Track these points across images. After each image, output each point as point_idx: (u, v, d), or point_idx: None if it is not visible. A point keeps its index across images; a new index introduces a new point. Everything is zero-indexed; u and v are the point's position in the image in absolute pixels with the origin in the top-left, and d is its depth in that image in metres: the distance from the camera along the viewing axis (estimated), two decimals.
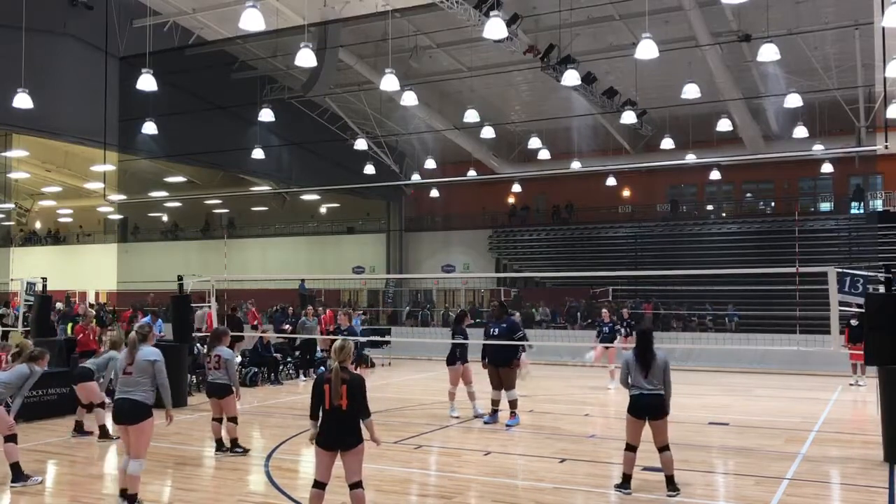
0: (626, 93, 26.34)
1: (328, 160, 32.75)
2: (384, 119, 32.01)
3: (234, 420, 10.56)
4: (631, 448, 8.56)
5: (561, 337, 23.44)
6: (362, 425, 6.83)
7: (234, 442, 10.55)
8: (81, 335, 15.09)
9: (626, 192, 35.00)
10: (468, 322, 14.14)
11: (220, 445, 10.58)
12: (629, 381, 8.56)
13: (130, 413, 7.84)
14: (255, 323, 24.25)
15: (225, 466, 10.08)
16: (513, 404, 12.76)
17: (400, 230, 38.69)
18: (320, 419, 6.78)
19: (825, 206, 32.76)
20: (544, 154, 30.63)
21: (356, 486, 6.84)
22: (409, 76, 25.95)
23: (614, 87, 26.30)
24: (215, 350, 10.56)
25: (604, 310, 17.21)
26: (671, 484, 8.42)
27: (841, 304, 11.64)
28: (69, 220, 50.47)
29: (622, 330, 18.15)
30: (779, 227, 31.29)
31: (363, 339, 14.52)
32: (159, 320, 17.35)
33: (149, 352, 8.08)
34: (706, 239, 32.43)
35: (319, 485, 6.93)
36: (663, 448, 8.46)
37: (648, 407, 8.40)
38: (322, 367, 20.51)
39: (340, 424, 6.71)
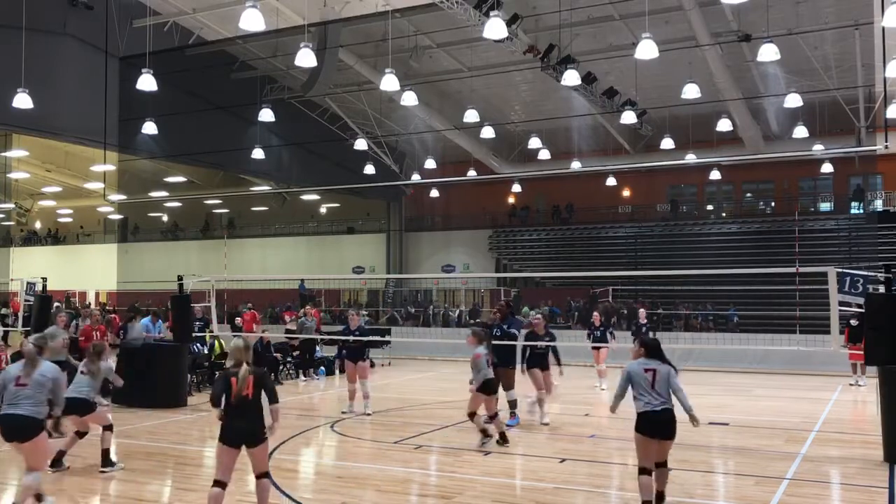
0: (626, 93, 26.32)
1: (328, 160, 32.74)
2: (384, 119, 32.01)
3: None
4: (646, 471, 7.49)
5: (561, 337, 23.36)
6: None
7: None
8: (84, 337, 15.02)
9: (626, 192, 34.99)
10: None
11: None
12: (634, 395, 7.59)
13: (20, 430, 7.40)
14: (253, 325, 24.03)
15: None
16: (512, 404, 12.76)
17: (400, 230, 38.68)
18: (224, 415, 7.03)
19: (825, 206, 32.74)
20: (544, 154, 30.64)
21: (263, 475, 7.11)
22: (409, 76, 25.95)
23: (614, 87, 26.29)
24: None
25: (595, 313, 17.27)
26: (661, 501, 7.66)
27: (841, 304, 11.64)
28: (69, 220, 50.47)
29: (613, 332, 18.14)
30: (779, 227, 31.29)
31: (365, 339, 14.51)
32: (159, 321, 17.30)
33: (49, 367, 7.66)
34: (706, 239, 32.43)
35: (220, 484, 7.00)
36: (663, 464, 7.69)
37: (661, 423, 7.43)
38: (322, 368, 20.55)
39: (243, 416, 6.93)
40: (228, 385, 6.95)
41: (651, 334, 15.52)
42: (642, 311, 18.39)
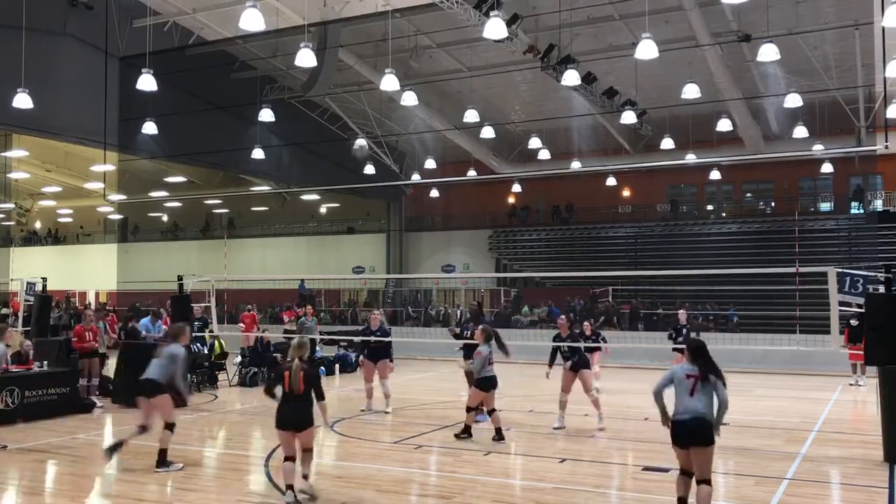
0: (626, 93, 26.32)
1: (328, 160, 32.75)
2: (384, 119, 32.01)
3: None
4: (684, 472, 7.31)
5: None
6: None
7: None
8: (77, 337, 15.02)
9: (626, 192, 34.99)
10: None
11: None
12: (674, 402, 7.25)
13: None
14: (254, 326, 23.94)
15: (225, 466, 10.09)
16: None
17: (400, 230, 38.68)
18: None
19: (825, 206, 32.72)
20: (544, 154, 30.63)
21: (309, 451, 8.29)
22: (409, 76, 25.95)
23: (614, 87, 26.28)
24: None
25: (585, 323, 17.18)
26: None
27: (841, 304, 11.64)
28: (69, 220, 50.47)
29: (604, 338, 18.01)
30: (779, 227, 31.28)
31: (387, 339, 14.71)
32: (159, 321, 17.30)
33: None
34: (706, 239, 32.42)
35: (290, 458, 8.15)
36: (703, 481, 7.13)
37: (688, 433, 7.12)
38: (322, 368, 20.55)
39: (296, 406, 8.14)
40: (282, 378, 8.18)
41: (694, 335, 14.82)
42: (682, 313, 17.07)
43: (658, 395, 7.32)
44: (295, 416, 8.05)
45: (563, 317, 13.79)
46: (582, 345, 12.97)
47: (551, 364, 12.89)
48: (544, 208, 36.95)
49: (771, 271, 26.11)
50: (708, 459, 7.13)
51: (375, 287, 37.82)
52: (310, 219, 42.53)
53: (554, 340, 12.97)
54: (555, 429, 12.41)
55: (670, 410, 7.30)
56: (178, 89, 24.41)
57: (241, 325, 22.61)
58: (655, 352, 21.78)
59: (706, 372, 7.14)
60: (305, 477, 8.25)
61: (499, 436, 11.28)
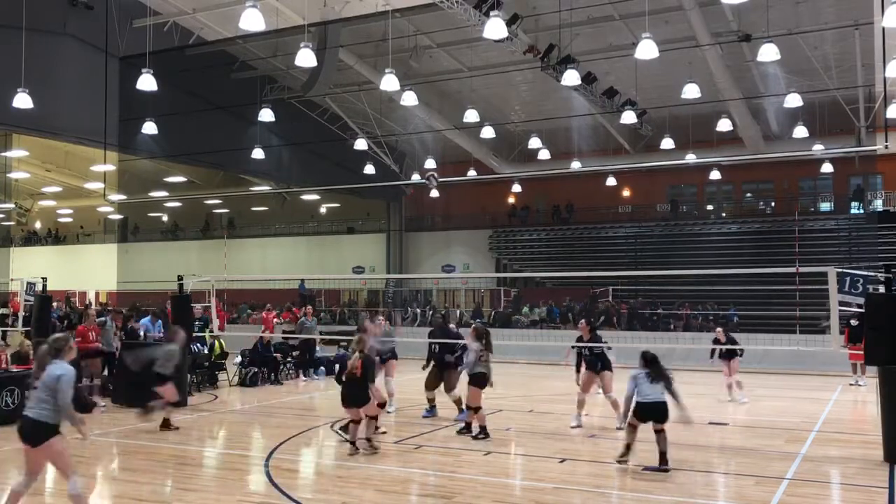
0: (626, 93, 26.32)
1: (328, 160, 32.74)
2: (384, 119, 32.01)
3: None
4: (634, 427, 9.49)
5: (558, 337, 23.37)
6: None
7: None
8: (81, 337, 14.99)
9: (626, 192, 34.99)
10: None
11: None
12: (636, 393, 9.42)
13: (30, 434, 6.90)
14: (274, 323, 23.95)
15: (225, 466, 10.09)
16: (458, 402, 13.09)
17: (400, 230, 38.67)
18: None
19: (825, 206, 32.74)
20: (544, 154, 30.63)
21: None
22: (409, 76, 25.94)
23: (614, 87, 26.28)
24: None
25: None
26: (664, 461, 9.36)
27: (841, 304, 11.64)
28: (69, 220, 50.47)
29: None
30: (779, 227, 31.29)
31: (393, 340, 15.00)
32: (159, 321, 17.30)
33: (58, 367, 6.96)
34: (706, 239, 32.43)
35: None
36: (660, 431, 9.41)
37: (655, 411, 9.30)
38: (322, 367, 20.56)
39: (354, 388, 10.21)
40: (344, 366, 10.36)
41: (739, 353, 16.06)
42: (720, 331, 16.55)
43: (628, 400, 9.51)
44: (354, 396, 10.15)
45: (583, 321, 13.99)
46: (599, 345, 12.99)
47: (578, 369, 13.03)
48: (544, 208, 36.95)
49: (771, 271, 26.11)
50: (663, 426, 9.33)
51: (375, 287, 37.81)
52: (310, 219, 42.53)
53: (577, 342, 13.18)
54: (572, 427, 12.54)
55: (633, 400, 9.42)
56: (178, 89, 24.42)
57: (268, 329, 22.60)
58: (654, 351, 21.72)
59: (659, 375, 9.45)
60: (369, 440, 10.33)
61: (483, 433, 11.45)
